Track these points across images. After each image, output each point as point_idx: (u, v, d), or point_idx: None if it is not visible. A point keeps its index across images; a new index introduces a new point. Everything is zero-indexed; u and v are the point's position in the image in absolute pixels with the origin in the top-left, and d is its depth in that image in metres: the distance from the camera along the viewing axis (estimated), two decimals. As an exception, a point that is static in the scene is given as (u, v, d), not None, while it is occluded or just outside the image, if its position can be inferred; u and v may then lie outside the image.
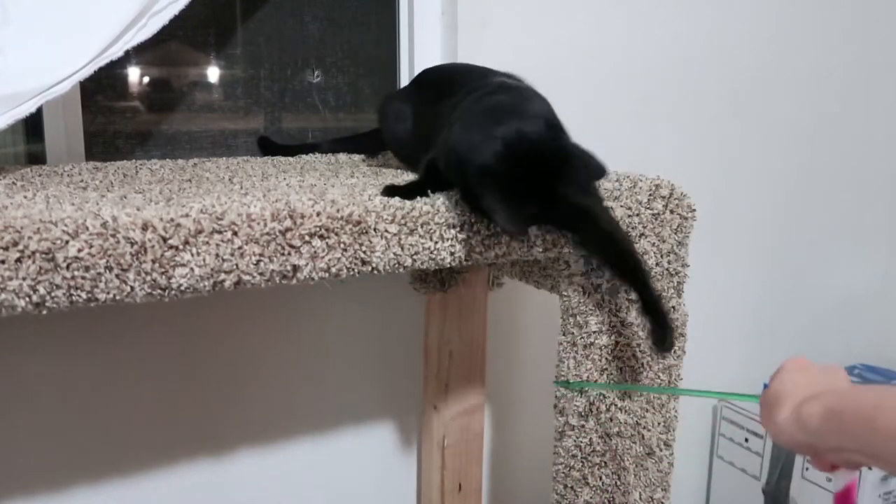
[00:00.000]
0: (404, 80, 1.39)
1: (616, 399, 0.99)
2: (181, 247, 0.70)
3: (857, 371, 1.84)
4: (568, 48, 1.42)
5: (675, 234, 0.99)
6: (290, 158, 1.21)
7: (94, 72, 0.93)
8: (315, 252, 0.76)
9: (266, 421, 1.28)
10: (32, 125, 1.15)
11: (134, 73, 1.26)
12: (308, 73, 1.36)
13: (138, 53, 1.23)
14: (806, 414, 0.57)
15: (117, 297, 0.68)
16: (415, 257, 0.82)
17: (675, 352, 1.01)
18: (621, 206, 0.94)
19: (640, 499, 1.03)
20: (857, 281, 1.94)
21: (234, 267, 0.73)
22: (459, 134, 0.81)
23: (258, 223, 0.73)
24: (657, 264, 0.98)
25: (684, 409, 1.08)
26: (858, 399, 0.54)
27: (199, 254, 0.71)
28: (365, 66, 1.40)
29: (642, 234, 0.97)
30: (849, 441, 0.53)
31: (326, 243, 0.77)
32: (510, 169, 0.76)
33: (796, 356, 0.67)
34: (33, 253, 0.64)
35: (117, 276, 0.67)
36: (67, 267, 0.65)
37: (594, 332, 0.97)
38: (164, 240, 0.69)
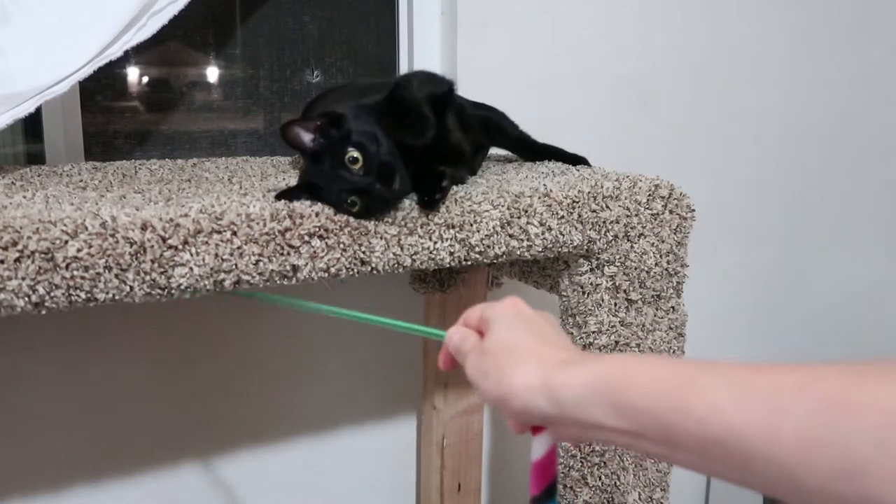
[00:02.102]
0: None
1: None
2: (180, 247, 0.70)
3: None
4: (568, 48, 1.42)
5: (675, 234, 0.99)
6: (290, 158, 1.21)
7: (94, 72, 0.94)
8: (314, 252, 0.76)
9: (266, 421, 1.28)
10: (32, 125, 1.15)
11: (133, 73, 1.26)
12: (307, 73, 1.36)
13: (137, 53, 1.23)
14: (562, 382, 0.46)
15: (116, 297, 0.68)
16: (414, 257, 0.82)
17: (673, 352, 1.01)
18: (621, 206, 0.94)
19: (640, 499, 1.03)
20: (857, 281, 1.94)
21: (234, 267, 0.73)
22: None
23: (257, 223, 0.73)
24: (656, 264, 0.98)
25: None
26: (651, 372, 0.43)
27: (198, 254, 0.71)
28: (364, 66, 1.40)
29: (641, 234, 0.97)
30: (627, 423, 0.43)
31: (326, 243, 0.77)
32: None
33: (512, 298, 0.57)
34: (32, 253, 0.64)
35: (116, 275, 0.67)
36: (66, 267, 0.65)
37: (593, 332, 0.97)
38: (164, 240, 0.69)
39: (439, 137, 0.89)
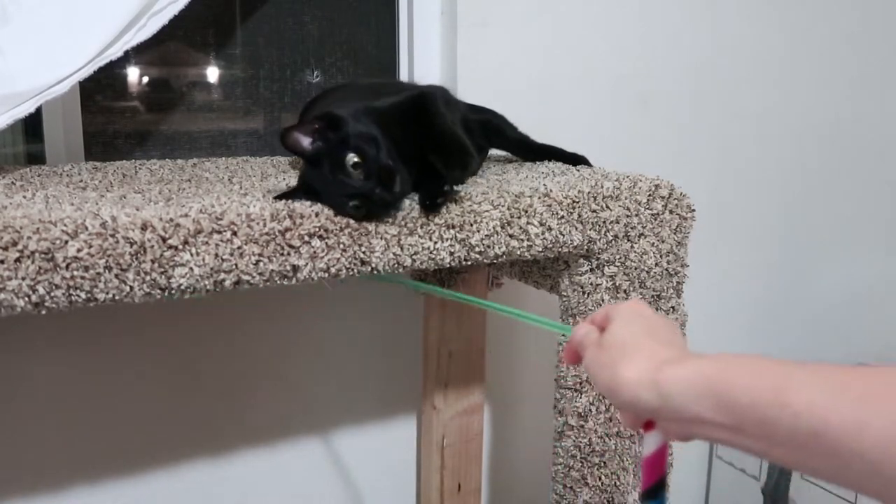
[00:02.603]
0: (404, 80, 1.39)
1: (615, 399, 0.99)
2: (180, 247, 0.70)
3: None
4: (568, 48, 1.42)
5: (675, 234, 0.99)
6: (290, 158, 1.21)
7: (94, 72, 0.94)
8: (314, 252, 0.76)
9: (266, 421, 1.28)
10: (32, 125, 1.15)
11: (133, 74, 1.26)
12: (307, 73, 1.36)
13: (138, 53, 1.23)
14: (669, 376, 0.50)
15: (117, 297, 0.68)
16: (414, 257, 0.82)
17: None
18: (621, 206, 0.94)
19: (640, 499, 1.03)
20: (857, 281, 1.94)
21: (234, 267, 0.73)
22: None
23: (257, 223, 0.73)
24: (656, 264, 0.98)
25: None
26: (752, 371, 0.46)
27: (198, 254, 0.71)
28: (364, 67, 1.40)
29: (641, 234, 0.97)
30: (728, 418, 0.46)
31: (326, 243, 0.77)
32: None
33: (636, 300, 0.61)
34: (33, 253, 0.64)
35: (116, 275, 0.67)
36: (67, 267, 0.65)
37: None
38: (164, 240, 0.69)
39: (439, 138, 0.89)
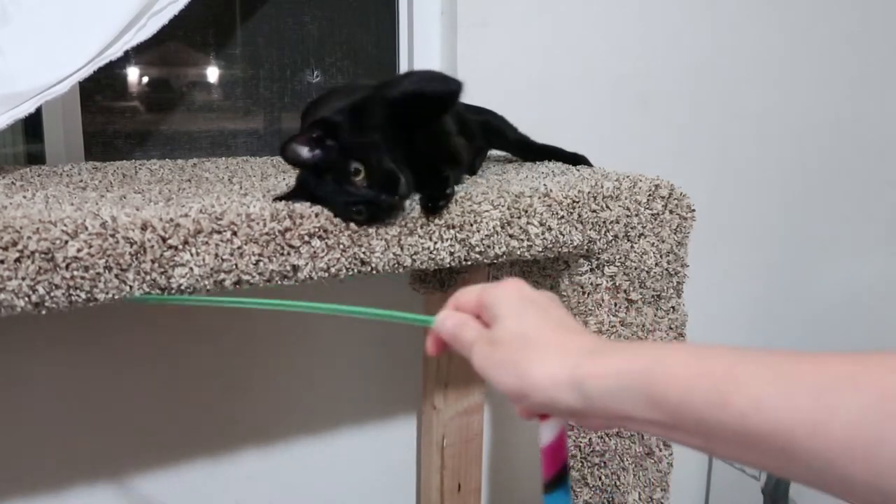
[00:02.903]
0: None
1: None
2: (180, 247, 0.70)
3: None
4: (568, 48, 1.42)
5: (675, 234, 0.99)
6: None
7: (94, 72, 0.94)
8: (314, 252, 0.76)
9: (266, 421, 1.28)
10: (32, 125, 1.15)
11: (133, 74, 1.26)
12: (307, 73, 1.36)
13: (138, 53, 1.23)
14: (590, 375, 0.44)
15: (117, 297, 0.68)
16: (414, 257, 0.82)
17: None
18: (621, 206, 0.94)
19: (640, 499, 1.03)
20: (857, 281, 1.94)
21: (234, 267, 0.73)
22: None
23: (257, 223, 0.73)
24: (656, 264, 0.98)
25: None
26: (687, 365, 0.41)
27: (198, 254, 0.71)
28: (364, 67, 1.40)
29: (641, 234, 0.97)
30: (661, 416, 0.41)
31: (326, 244, 0.77)
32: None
33: (513, 280, 0.53)
34: (32, 253, 0.64)
35: (116, 275, 0.67)
36: (67, 267, 0.65)
37: (593, 332, 0.97)
38: (164, 240, 0.69)
39: (439, 141, 0.89)
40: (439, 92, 0.87)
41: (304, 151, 0.78)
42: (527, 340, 0.48)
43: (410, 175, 0.80)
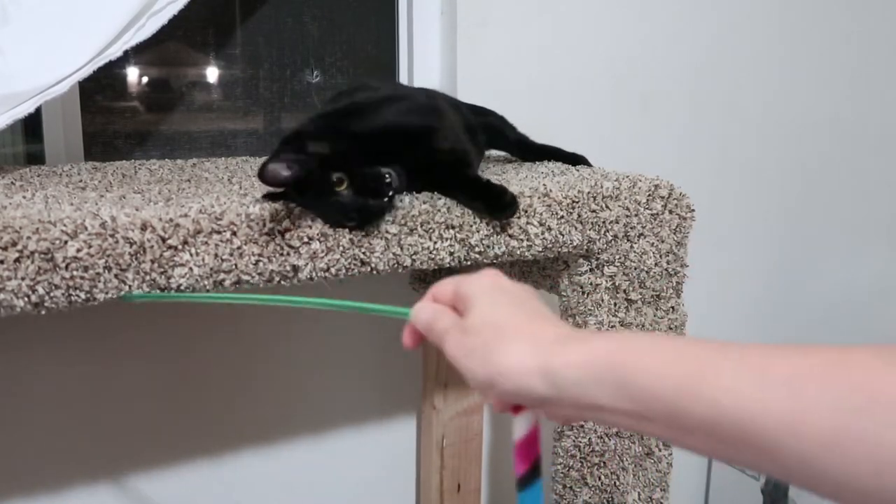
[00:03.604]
0: (403, 80, 1.39)
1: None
2: (180, 247, 0.70)
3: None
4: (568, 48, 1.42)
5: (674, 234, 0.99)
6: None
7: (93, 72, 0.94)
8: (314, 252, 0.76)
9: (266, 421, 1.28)
10: (31, 125, 1.15)
11: (133, 74, 1.26)
12: (307, 73, 1.36)
13: (137, 53, 1.23)
14: (561, 362, 0.43)
15: (116, 297, 0.68)
16: (414, 257, 0.82)
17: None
18: (620, 206, 0.94)
19: (639, 499, 1.03)
20: (858, 281, 1.94)
21: (234, 267, 0.73)
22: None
23: (257, 223, 0.73)
24: (656, 264, 0.98)
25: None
26: (662, 353, 0.40)
27: (198, 254, 0.71)
28: (364, 67, 1.40)
29: (641, 234, 0.97)
30: (632, 405, 0.40)
31: (326, 244, 0.77)
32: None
33: (489, 270, 0.53)
34: (32, 253, 0.64)
35: (116, 275, 0.67)
36: (66, 267, 0.65)
37: (593, 329, 0.97)
38: (163, 240, 0.69)
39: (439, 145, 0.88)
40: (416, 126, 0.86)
41: (283, 170, 0.74)
42: (498, 328, 0.47)
43: (401, 168, 0.78)
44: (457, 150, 0.89)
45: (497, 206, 0.84)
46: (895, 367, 0.34)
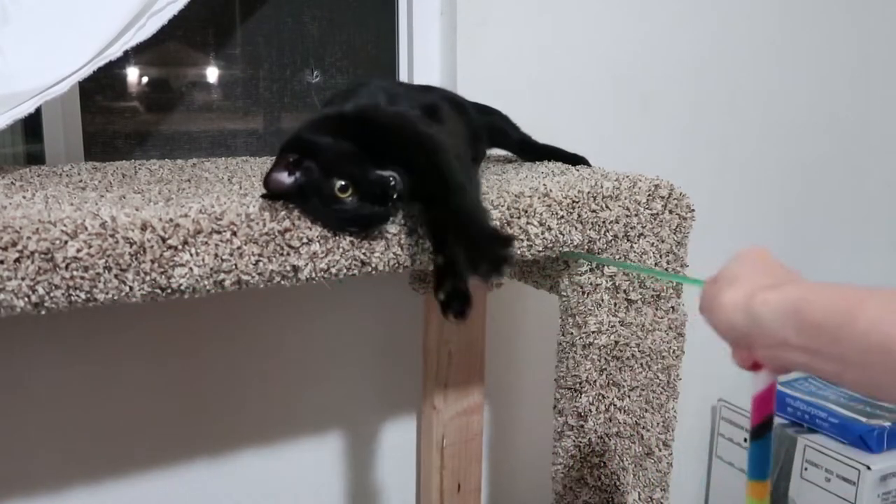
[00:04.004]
0: (403, 80, 1.39)
1: (615, 399, 0.99)
2: (180, 247, 0.70)
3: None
4: (567, 48, 1.42)
5: (674, 234, 0.99)
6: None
7: (93, 72, 0.94)
8: (315, 253, 0.76)
9: (266, 421, 1.28)
10: (31, 125, 1.15)
11: (133, 74, 1.26)
12: (307, 73, 1.36)
13: (137, 53, 1.23)
14: (760, 301, 0.54)
15: (116, 298, 0.68)
16: (414, 257, 0.82)
17: (673, 352, 1.01)
18: (620, 206, 0.94)
19: (640, 499, 1.03)
20: (857, 281, 1.93)
21: (234, 267, 0.72)
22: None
23: (257, 223, 0.73)
24: (656, 264, 0.98)
25: (683, 409, 1.08)
26: (832, 294, 0.50)
27: (198, 254, 0.70)
28: (364, 67, 1.40)
29: (641, 234, 0.97)
30: (807, 339, 0.50)
31: (326, 245, 0.77)
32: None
33: (758, 246, 0.64)
34: (32, 253, 0.64)
35: (116, 276, 0.67)
36: (66, 267, 0.65)
37: (593, 332, 0.97)
38: (164, 240, 0.69)
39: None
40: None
41: (285, 178, 0.74)
42: (734, 278, 0.58)
43: (404, 171, 0.77)
44: (448, 180, 0.79)
45: (479, 258, 0.72)
46: None
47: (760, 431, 0.60)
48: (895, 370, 0.45)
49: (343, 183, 0.73)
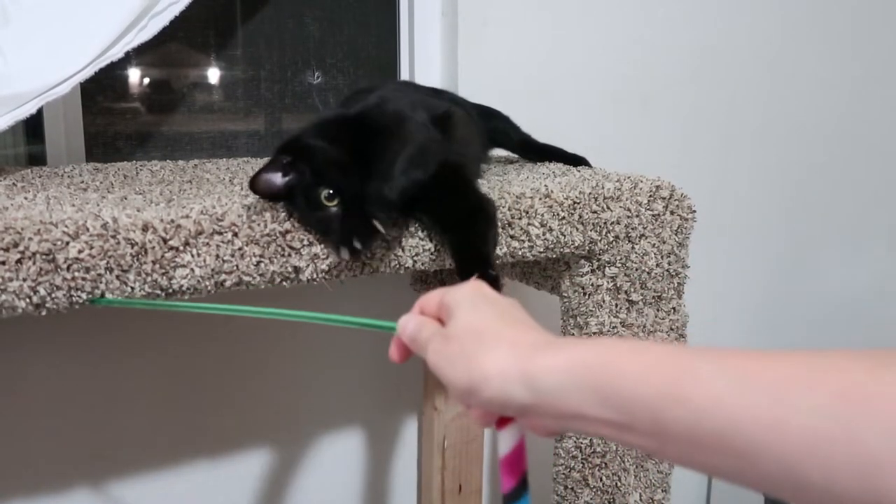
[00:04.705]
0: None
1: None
2: (181, 248, 0.70)
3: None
4: (568, 48, 1.42)
5: (676, 235, 0.99)
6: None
7: (95, 73, 0.94)
8: (316, 254, 0.76)
9: (266, 421, 1.28)
10: (33, 126, 1.15)
11: (134, 75, 1.26)
12: (308, 74, 1.36)
13: (139, 54, 1.23)
14: (542, 368, 0.42)
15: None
16: (415, 259, 0.82)
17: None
18: (621, 207, 0.94)
19: (641, 500, 1.03)
20: (859, 282, 1.94)
21: (235, 268, 0.73)
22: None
23: (258, 224, 0.73)
24: (657, 265, 0.98)
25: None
26: (646, 359, 0.40)
27: (199, 255, 0.71)
28: (365, 67, 1.40)
29: (642, 235, 0.97)
30: (616, 414, 0.39)
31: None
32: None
33: (474, 281, 0.53)
34: (34, 254, 0.64)
35: (118, 277, 0.67)
36: (68, 268, 0.65)
37: (594, 332, 0.97)
38: (165, 241, 0.69)
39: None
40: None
41: (278, 179, 0.73)
42: (479, 334, 0.46)
43: (402, 177, 0.74)
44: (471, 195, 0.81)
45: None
46: (874, 372, 0.34)
47: (517, 494, 0.50)
48: (735, 455, 0.36)
49: (330, 192, 0.73)
